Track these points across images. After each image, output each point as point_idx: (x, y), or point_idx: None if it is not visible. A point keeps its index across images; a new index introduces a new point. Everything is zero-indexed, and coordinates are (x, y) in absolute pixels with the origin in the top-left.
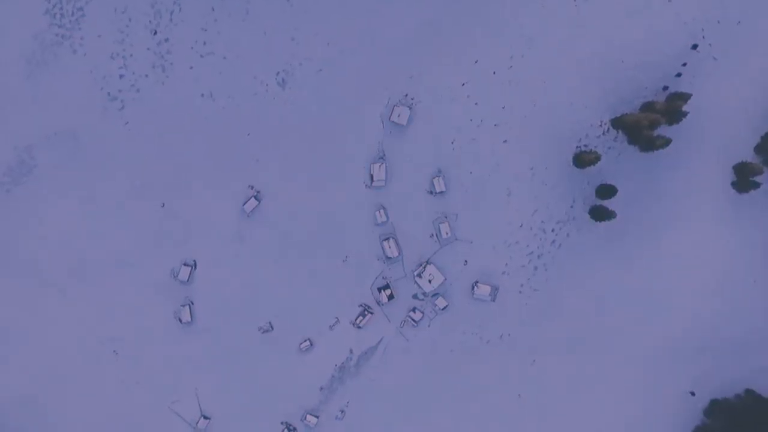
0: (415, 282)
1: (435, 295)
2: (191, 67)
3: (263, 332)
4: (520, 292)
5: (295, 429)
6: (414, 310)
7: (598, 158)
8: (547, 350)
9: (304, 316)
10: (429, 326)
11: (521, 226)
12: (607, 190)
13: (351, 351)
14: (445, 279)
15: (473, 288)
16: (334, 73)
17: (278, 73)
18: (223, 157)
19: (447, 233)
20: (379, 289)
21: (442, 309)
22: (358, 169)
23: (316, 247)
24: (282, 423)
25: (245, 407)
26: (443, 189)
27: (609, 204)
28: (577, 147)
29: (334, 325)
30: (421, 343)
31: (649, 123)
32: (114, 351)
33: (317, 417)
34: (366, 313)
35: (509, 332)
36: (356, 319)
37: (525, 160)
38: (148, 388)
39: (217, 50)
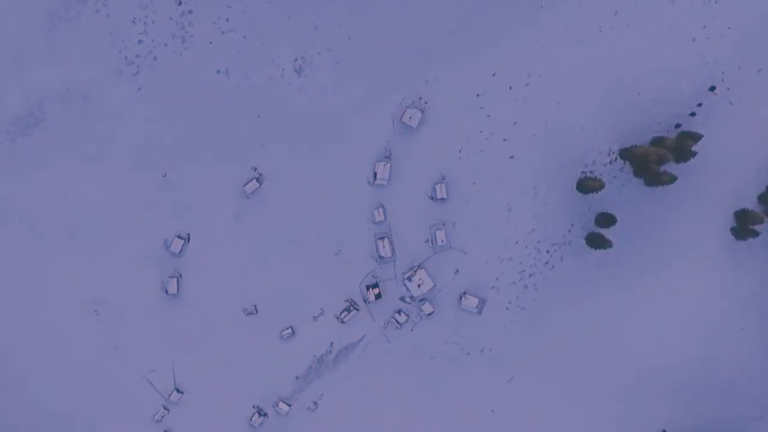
0: (405, 285)
1: (422, 300)
2: (211, 43)
3: (247, 314)
4: (507, 308)
5: (266, 414)
6: (399, 312)
7: (602, 186)
8: (526, 370)
9: (290, 304)
10: (412, 330)
11: (517, 243)
12: (606, 219)
13: (331, 344)
14: (435, 285)
15: (461, 298)
16: (352, 68)
17: (296, 59)
18: (231, 135)
19: (442, 240)
20: (368, 287)
21: (428, 315)
22: (362, 165)
23: (311, 237)
24: (254, 406)
25: (220, 386)
26: (444, 196)
27: (607, 233)
28: (582, 172)
29: (318, 316)
30: (403, 346)
31: (657, 158)
32: (96, 311)
33: (289, 405)
34: (351, 308)
35: (491, 347)
36: (341, 314)
37: (529, 178)
38: (125, 355)
39: (238, 28)
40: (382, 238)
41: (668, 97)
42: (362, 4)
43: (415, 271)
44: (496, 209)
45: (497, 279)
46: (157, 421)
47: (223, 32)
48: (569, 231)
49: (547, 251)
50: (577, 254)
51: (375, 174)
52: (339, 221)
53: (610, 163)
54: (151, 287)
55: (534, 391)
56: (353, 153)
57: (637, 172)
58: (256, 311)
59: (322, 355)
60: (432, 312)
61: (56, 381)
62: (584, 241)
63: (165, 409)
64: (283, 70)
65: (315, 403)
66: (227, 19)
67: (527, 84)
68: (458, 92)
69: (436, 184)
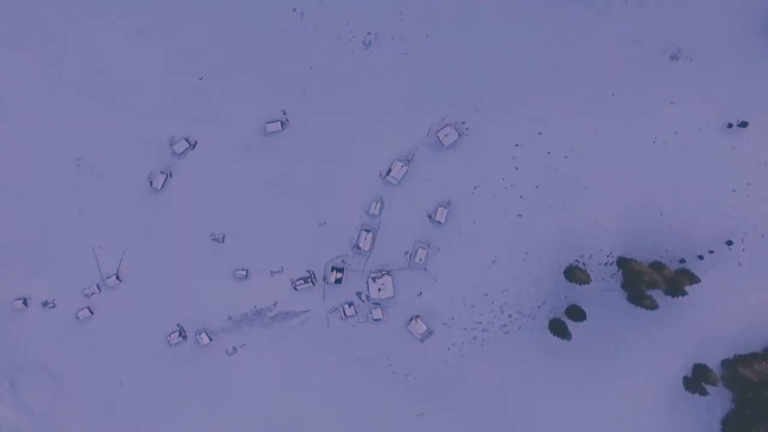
0: (367, 283)
1: (376, 304)
2: None
3: (213, 239)
4: (448, 348)
5: (185, 337)
6: (350, 305)
7: (587, 281)
8: (438, 412)
9: (256, 249)
10: (354, 327)
11: (486, 295)
12: (576, 313)
13: (275, 304)
14: (394, 296)
15: (411, 320)
16: (415, 65)
17: (370, 33)
18: (277, 73)
19: (421, 259)
20: (333, 268)
21: (375, 320)
22: (382, 157)
23: (304, 197)
24: (178, 325)
25: (157, 291)
26: (442, 221)
27: (571, 325)
28: (576, 260)
29: (276, 272)
30: (338, 337)
31: (650, 281)
32: (78, 163)
33: (211, 339)
34: (309, 280)
35: (417, 377)
36: (297, 280)
37: (526, 242)
38: (85, 221)
39: None
40: (367, 231)
41: (686, 232)
42: (453, 12)
43: (382, 275)
44: (482, 255)
45: (452, 318)
46: (85, 295)
47: None
48: (538, 307)
49: (510, 316)
50: (535, 332)
51: (389, 170)
52: (337, 196)
53: (605, 264)
54: (138, 171)
55: (454, 410)
56: (379, 142)
57: (626, 286)
58: (222, 241)
59: (262, 309)
60: (379, 319)
61: (11, 214)
62: (547, 323)
63: (97, 288)
64: (354, 37)
65: (234, 349)
66: None
67: (566, 157)
68: (500, 134)
69: (440, 206)
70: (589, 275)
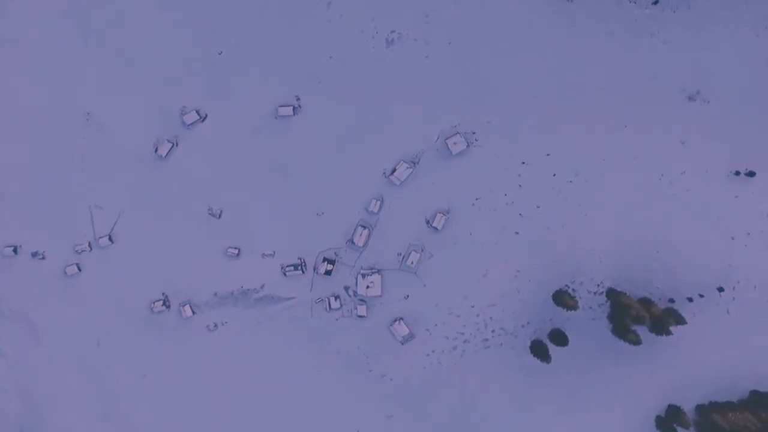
0: (356, 278)
1: (362, 301)
2: None
3: (209, 214)
4: (427, 355)
5: (169, 307)
6: (336, 298)
7: (574, 308)
8: (408, 419)
9: (251, 230)
10: (337, 320)
11: (472, 307)
12: (559, 337)
13: (263, 286)
14: (381, 296)
15: (395, 321)
16: (434, 70)
17: (393, 32)
18: (295, 57)
19: (413, 263)
20: (324, 259)
21: (358, 316)
22: (388, 157)
23: (306, 186)
24: (163, 294)
25: (146, 257)
26: (439, 228)
27: (553, 349)
28: (566, 285)
29: (267, 255)
30: (320, 327)
31: (636, 315)
32: (87, 117)
33: (194, 313)
34: (299, 268)
35: (392, 378)
36: (287, 266)
37: (519, 260)
38: (86, 179)
39: None
40: (363, 227)
41: (679, 272)
42: (477, 23)
43: (372, 273)
44: (474, 267)
45: (435, 325)
46: (75, 251)
47: None
48: (522, 327)
49: (493, 331)
50: (516, 351)
51: (394, 170)
52: (339, 188)
53: (595, 293)
54: (146, 136)
55: (420, 421)
56: (388, 141)
57: (612, 317)
58: (219, 217)
59: (249, 290)
60: (363, 316)
61: (12, 159)
62: (529, 344)
63: (89, 246)
64: (377, 33)
65: (216, 325)
66: None
67: (570, 181)
68: (508, 150)
69: (439, 213)
70: (577, 302)
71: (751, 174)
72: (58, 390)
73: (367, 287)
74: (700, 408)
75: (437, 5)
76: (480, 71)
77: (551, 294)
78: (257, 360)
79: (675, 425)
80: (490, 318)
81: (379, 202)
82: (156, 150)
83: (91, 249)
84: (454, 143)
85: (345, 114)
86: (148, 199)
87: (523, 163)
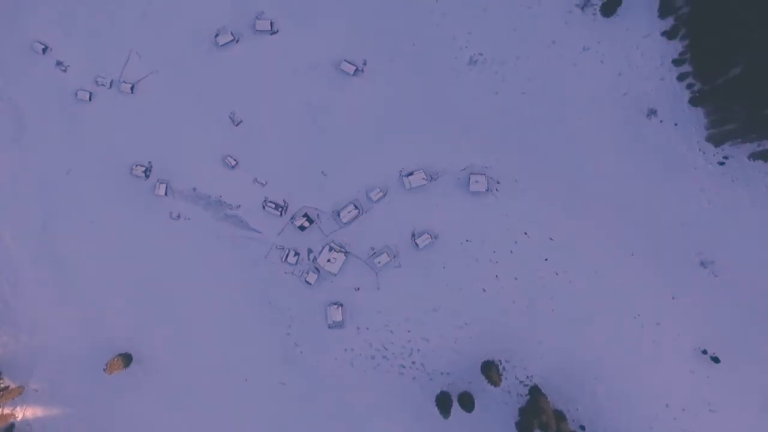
0: (323, 247)
1: (317, 270)
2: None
3: (229, 117)
4: (345, 350)
5: (147, 177)
6: (296, 254)
7: (495, 383)
8: (298, 395)
9: (258, 151)
10: (285, 273)
11: (408, 331)
12: (467, 401)
13: (238, 207)
14: (335, 275)
15: (334, 304)
16: (497, 106)
17: (481, 54)
18: (384, 26)
19: (379, 263)
20: (305, 215)
21: (306, 281)
22: (411, 160)
23: (327, 142)
24: (149, 162)
25: (153, 123)
26: (420, 246)
27: (456, 409)
28: (500, 360)
29: (259, 182)
30: (267, 272)
31: (544, 422)
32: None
33: (165, 195)
34: (277, 208)
35: (303, 351)
36: (269, 202)
37: (472, 315)
38: (141, 26)
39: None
40: (355, 207)
41: (604, 407)
42: (557, 94)
43: (339, 251)
44: (430, 297)
45: (367, 328)
46: (96, 81)
47: None
48: (441, 374)
49: (413, 363)
50: (423, 392)
51: (410, 174)
52: (354, 162)
53: (520, 382)
54: (213, 20)
55: (325, 403)
56: (419, 146)
57: (522, 412)
58: (236, 125)
59: (224, 203)
60: (310, 284)
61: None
62: (438, 392)
63: (110, 84)
64: (466, 47)
65: (179, 216)
66: None
67: (556, 274)
68: (519, 215)
69: (427, 233)
70: (501, 380)
71: (716, 360)
72: (10, 192)
73: (328, 261)
74: None
75: (532, 52)
76: (536, 136)
77: (482, 360)
78: (196, 264)
79: None
80: (418, 350)
81: (381, 194)
82: (216, 36)
83: (110, 87)
84: (476, 181)
85: (397, 99)
86: (185, 74)
87: (526, 233)
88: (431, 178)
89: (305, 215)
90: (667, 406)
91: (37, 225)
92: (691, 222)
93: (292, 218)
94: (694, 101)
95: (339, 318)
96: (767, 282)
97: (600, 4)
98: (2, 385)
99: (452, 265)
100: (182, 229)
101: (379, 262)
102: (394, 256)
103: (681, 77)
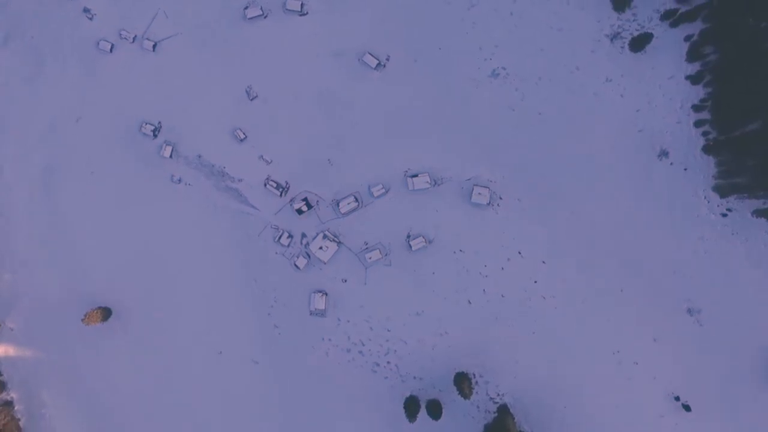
0: (317, 234)
1: (307, 255)
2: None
3: (245, 91)
4: (322, 339)
5: (155, 136)
6: (290, 236)
7: (466, 396)
8: (270, 377)
9: (269, 130)
10: (275, 254)
11: (388, 330)
12: (435, 409)
13: (240, 180)
14: (324, 263)
15: (319, 292)
16: (512, 123)
17: (504, 69)
18: (414, 26)
19: (370, 258)
20: (304, 199)
21: (294, 265)
22: (418, 162)
23: (337, 131)
24: (159, 122)
25: (169, 84)
26: (413, 248)
27: (423, 415)
28: (473, 374)
29: (265, 159)
30: (257, 249)
31: None
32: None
33: (170, 157)
34: (280, 189)
35: (281, 333)
36: (271, 181)
37: (453, 325)
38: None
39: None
40: (355, 200)
41: None
42: (575, 121)
43: (332, 241)
44: (414, 301)
45: (348, 321)
46: (119, 35)
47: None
48: (414, 378)
49: (388, 362)
50: (393, 392)
51: (415, 175)
52: (361, 155)
53: (491, 399)
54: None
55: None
56: (429, 150)
57: (488, 428)
58: (251, 100)
59: (227, 174)
60: (298, 268)
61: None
62: (408, 394)
63: (133, 39)
64: (490, 59)
65: (180, 180)
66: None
67: (543, 298)
68: (516, 233)
69: (422, 237)
70: (471, 393)
71: (687, 408)
72: (18, 129)
73: (320, 248)
74: None
75: (555, 75)
76: (545, 158)
77: (456, 371)
78: (189, 231)
79: None
80: (395, 351)
81: (383, 191)
82: (245, 8)
83: (132, 42)
84: (479, 194)
85: (413, 99)
86: (208, 41)
87: (519, 253)
88: (435, 183)
89: (305, 199)
90: None
91: (39, 166)
92: (685, 268)
93: (291, 200)
94: (707, 149)
95: (322, 306)
96: (750, 340)
97: (630, 38)
98: None
99: (442, 273)
100: (181, 194)
101: (370, 258)
102: (386, 255)
103: (698, 123)
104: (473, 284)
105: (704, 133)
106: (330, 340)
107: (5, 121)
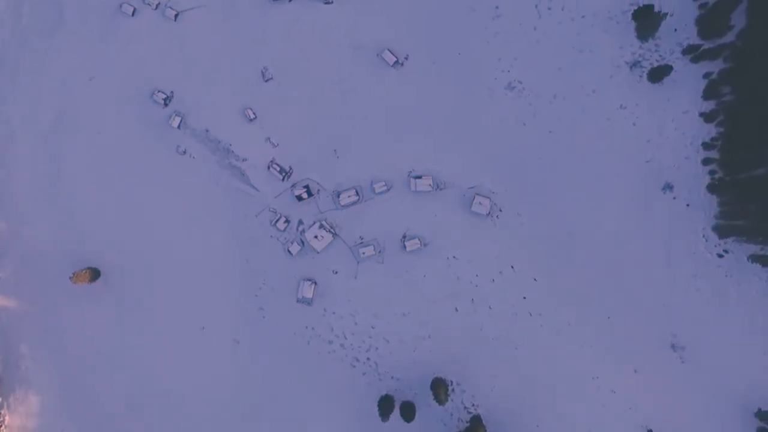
0: (313, 223)
1: (301, 243)
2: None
3: (261, 72)
4: (306, 327)
5: (166, 105)
6: (287, 221)
7: (441, 402)
8: (247, 359)
9: (278, 113)
10: (270, 237)
11: (372, 327)
12: (409, 410)
13: (244, 160)
14: (318, 252)
15: (308, 281)
16: (522, 137)
17: (521, 82)
18: (436, 28)
19: (363, 253)
20: (305, 186)
21: (287, 251)
22: (422, 165)
23: (348, 123)
24: (171, 92)
25: (185, 59)
26: (407, 249)
27: (395, 416)
28: (450, 381)
29: (271, 142)
30: (253, 228)
31: None
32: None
33: (179, 128)
34: (283, 173)
35: (265, 316)
36: (275, 164)
37: (438, 330)
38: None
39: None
40: (356, 194)
41: None
42: (583, 135)
43: (329, 231)
44: (402, 302)
45: (333, 313)
46: (145, 2)
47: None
48: (392, 378)
49: (368, 359)
50: (369, 389)
51: (418, 178)
52: (367, 151)
53: (465, 408)
54: None
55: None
56: (435, 153)
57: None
58: (265, 81)
59: (232, 152)
60: (291, 254)
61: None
62: (384, 393)
63: (156, 6)
64: (508, 72)
65: (185, 152)
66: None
67: (530, 314)
68: (511, 247)
69: (418, 239)
70: (446, 400)
71: None
72: (31, 80)
73: (315, 237)
74: None
75: (570, 95)
76: (549, 176)
77: (434, 376)
78: (188, 203)
79: None
80: (376, 348)
81: (385, 188)
82: None
83: (155, 8)
84: (480, 203)
85: (426, 101)
86: (230, 17)
87: (512, 267)
88: (437, 187)
89: (306, 187)
90: None
91: (48, 120)
92: (674, 303)
93: (292, 186)
94: (711, 188)
95: (309, 295)
96: (730, 383)
97: (649, 68)
98: None
99: (433, 277)
100: (184, 165)
101: (363, 253)
102: (380, 252)
103: (706, 161)
104: (463, 292)
105: (711, 172)
106: (313, 329)
107: (18, 72)
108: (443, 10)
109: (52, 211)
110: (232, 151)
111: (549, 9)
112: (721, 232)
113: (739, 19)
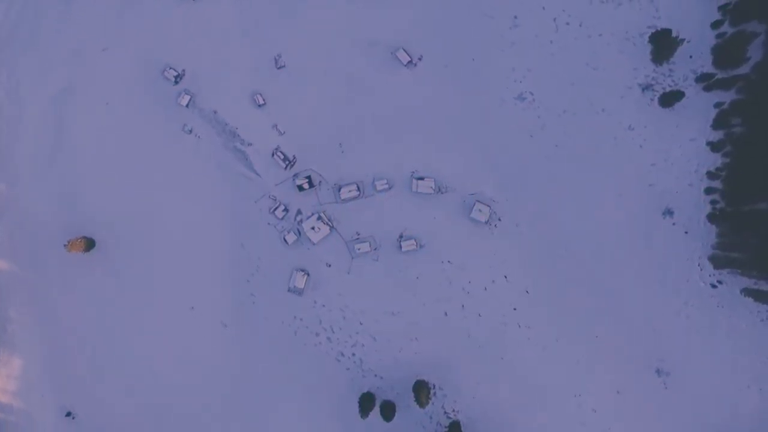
0: (312, 214)
1: (298, 233)
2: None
3: (274, 60)
4: (294, 317)
5: (176, 83)
6: (285, 209)
7: (422, 404)
8: (231, 340)
9: (287, 102)
10: (267, 224)
11: (360, 324)
12: (389, 410)
13: (250, 144)
14: (314, 244)
15: (301, 271)
16: (528, 148)
17: (532, 93)
18: (452, 30)
19: (359, 249)
20: (308, 177)
21: (284, 240)
22: (427, 167)
23: (356, 118)
24: (183, 70)
25: (202, 35)
26: (402, 249)
27: (375, 413)
28: (433, 385)
29: (277, 130)
30: (251, 213)
31: None
32: None
33: (187, 107)
34: (287, 162)
35: (255, 302)
36: (280, 152)
37: (425, 333)
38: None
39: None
40: (357, 189)
41: None
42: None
43: (326, 224)
44: (392, 301)
45: (323, 306)
46: None
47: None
48: (375, 375)
49: (353, 354)
50: (352, 385)
51: (422, 178)
52: (372, 148)
53: (446, 413)
54: None
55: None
56: (440, 155)
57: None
58: (277, 68)
59: (237, 135)
60: (286, 243)
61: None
62: (365, 390)
63: None
64: (520, 82)
65: (191, 131)
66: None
67: (519, 326)
68: (506, 257)
69: (413, 240)
70: (427, 403)
71: None
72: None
73: (312, 228)
74: None
75: (580, 112)
76: (551, 191)
77: (417, 378)
78: (189, 182)
79: None
80: (362, 345)
81: (387, 186)
82: None
83: None
84: (479, 210)
85: (436, 104)
86: (249, 2)
87: (505, 277)
88: (439, 190)
89: (308, 177)
90: None
91: (56, 87)
92: (664, 329)
93: (295, 175)
94: (712, 217)
95: (301, 285)
96: (710, 414)
97: (661, 92)
98: None
99: (425, 279)
100: (189, 144)
101: (359, 249)
102: (375, 249)
103: (708, 190)
104: (454, 297)
105: (713, 202)
106: (302, 320)
107: (32, 37)
108: (462, 15)
109: (53, 177)
110: (238, 135)
111: (567, 24)
112: (717, 262)
113: (755, 52)
